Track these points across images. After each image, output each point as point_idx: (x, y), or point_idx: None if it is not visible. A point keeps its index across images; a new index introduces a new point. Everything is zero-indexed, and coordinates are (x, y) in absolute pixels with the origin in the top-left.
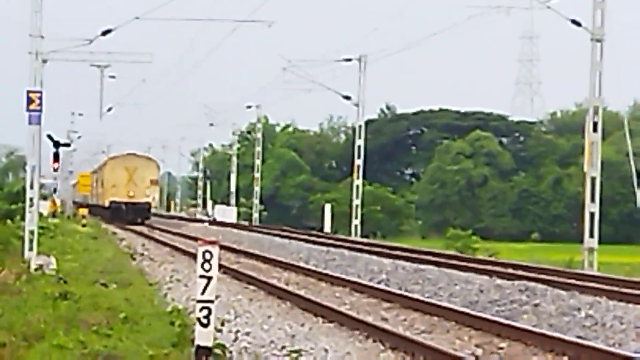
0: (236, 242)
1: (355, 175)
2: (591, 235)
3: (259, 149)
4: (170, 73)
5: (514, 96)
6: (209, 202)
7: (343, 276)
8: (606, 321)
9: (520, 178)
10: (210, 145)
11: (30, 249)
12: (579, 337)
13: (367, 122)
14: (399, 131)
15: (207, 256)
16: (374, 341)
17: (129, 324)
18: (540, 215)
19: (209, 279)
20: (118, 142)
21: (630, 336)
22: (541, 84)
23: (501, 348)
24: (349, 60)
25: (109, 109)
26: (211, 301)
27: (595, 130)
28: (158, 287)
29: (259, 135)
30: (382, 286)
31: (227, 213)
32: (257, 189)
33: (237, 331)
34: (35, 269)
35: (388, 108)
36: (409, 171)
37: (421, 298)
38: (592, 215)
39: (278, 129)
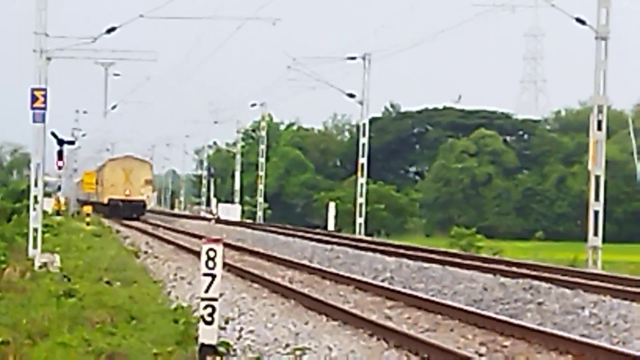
0: (240, 240)
1: (359, 173)
2: (595, 234)
3: (263, 147)
4: (174, 71)
5: (519, 94)
6: (213, 200)
7: (347, 274)
8: (610, 320)
9: (524, 176)
10: (215, 143)
11: (35, 246)
12: (583, 335)
13: (372, 120)
14: (404, 129)
15: (211, 254)
16: (378, 339)
17: (133, 322)
18: (545, 213)
19: (213, 276)
20: (122, 139)
21: (635, 335)
22: (546, 82)
23: (505, 346)
24: (354, 58)
25: (114, 107)
26: (215, 299)
27: (599, 128)
28: (162, 285)
29: (264, 133)
30: (386, 284)
31: (231, 211)
32: (261, 187)
33: (241, 329)
34: (40, 267)
35: (392, 106)
36: (413, 169)
37: (425, 296)
38: (596, 213)
39: (282, 127)
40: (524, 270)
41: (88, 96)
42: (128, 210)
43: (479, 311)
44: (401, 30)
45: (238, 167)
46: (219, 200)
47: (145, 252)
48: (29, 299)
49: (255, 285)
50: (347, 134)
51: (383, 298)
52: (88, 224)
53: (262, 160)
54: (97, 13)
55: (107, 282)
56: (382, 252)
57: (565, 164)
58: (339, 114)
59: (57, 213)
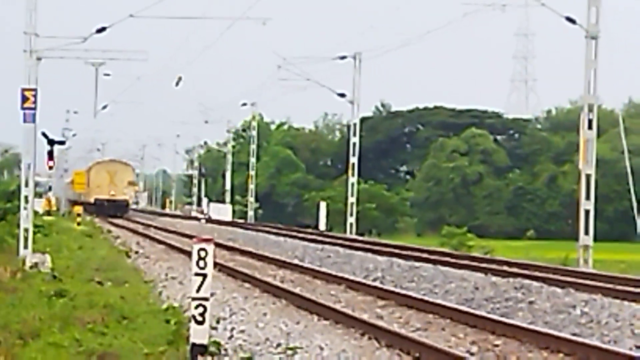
0: (231, 240)
1: (350, 172)
2: (586, 233)
3: (254, 146)
4: (165, 71)
5: (509, 93)
6: (204, 200)
7: (338, 274)
8: (601, 318)
9: (515, 175)
10: (205, 143)
11: (25, 247)
12: (574, 334)
13: (362, 120)
14: (394, 129)
15: (202, 254)
16: (370, 339)
17: (125, 321)
18: (536, 212)
19: (204, 276)
20: (113, 139)
21: (626, 333)
22: (536, 81)
23: (496, 345)
24: (344, 57)
25: (104, 107)
26: (206, 299)
27: (590, 127)
28: (153, 285)
29: (254, 133)
30: (377, 284)
31: (222, 211)
32: (252, 186)
33: (233, 329)
34: (31, 267)
35: (383, 105)
36: (404, 169)
37: (416, 295)
38: (587, 212)
39: (273, 126)
40: (515, 270)
41: (78, 96)
42: (113, 209)
43: (470, 310)
44: (392, 30)
45: (229, 167)
46: (210, 200)
47: (137, 252)
48: (20, 299)
49: (247, 285)
50: (337, 133)
51: (374, 297)
52: (79, 224)
53: (252, 159)
54: (87, 13)
55: (98, 282)
56: (373, 251)
57: (556, 163)
58: (330, 113)
59: (48, 213)
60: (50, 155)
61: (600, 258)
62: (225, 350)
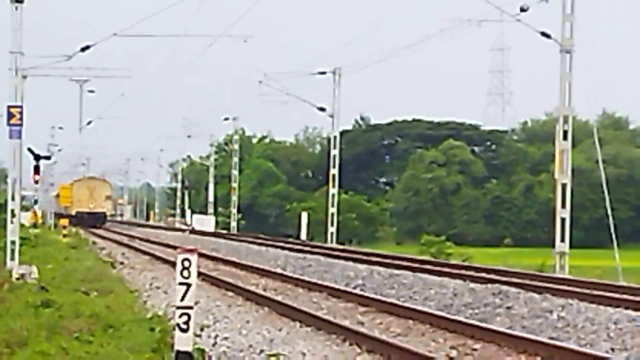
0: (214, 250)
1: (330, 184)
2: (562, 240)
3: (236, 159)
4: (148, 87)
5: (486, 106)
6: (188, 212)
7: (320, 282)
8: (578, 322)
9: (492, 185)
10: (189, 156)
11: (12, 258)
12: (552, 338)
13: (342, 133)
14: (374, 141)
15: (186, 264)
16: (351, 344)
17: (110, 330)
18: (513, 221)
19: (188, 285)
20: (98, 154)
21: (602, 337)
22: (512, 94)
23: (475, 350)
24: (324, 73)
25: (89, 123)
26: (190, 307)
27: (565, 138)
28: (138, 295)
29: (236, 146)
30: (358, 291)
31: (206, 222)
32: (234, 198)
33: (216, 336)
34: (17, 278)
35: (362, 119)
36: (384, 180)
37: (396, 302)
38: (563, 220)
39: (255, 140)
40: (493, 276)
41: (64, 112)
42: (92, 220)
43: (449, 316)
44: (371, 45)
45: (211, 180)
46: (193, 212)
47: (122, 263)
48: (7, 310)
49: (230, 294)
50: (318, 146)
51: (355, 304)
52: (65, 236)
53: (235, 172)
54: (72, 32)
55: (84, 292)
56: (354, 260)
57: (532, 173)
58: (310, 127)
59: (34, 226)
60: (37, 170)
61: (576, 264)
62: (210, 357)
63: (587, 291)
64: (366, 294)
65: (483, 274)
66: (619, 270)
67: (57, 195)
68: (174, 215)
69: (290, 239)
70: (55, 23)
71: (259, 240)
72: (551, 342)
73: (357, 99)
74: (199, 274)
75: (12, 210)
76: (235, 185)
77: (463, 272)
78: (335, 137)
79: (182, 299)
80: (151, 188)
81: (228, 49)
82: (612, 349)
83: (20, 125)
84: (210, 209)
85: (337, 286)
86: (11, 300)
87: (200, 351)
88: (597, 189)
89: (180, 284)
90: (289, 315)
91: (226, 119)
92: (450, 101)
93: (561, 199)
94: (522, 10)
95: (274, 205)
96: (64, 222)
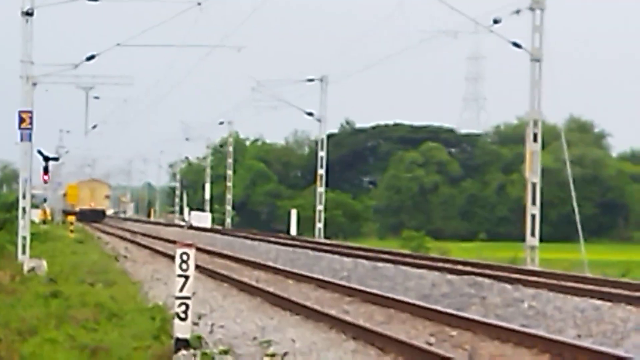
0: (211, 245)
1: (318, 183)
2: (533, 235)
3: (230, 160)
4: (149, 94)
5: (462, 111)
6: (186, 209)
7: (308, 274)
8: (547, 311)
9: (467, 184)
10: (187, 158)
11: (23, 253)
12: (523, 325)
13: (329, 136)
14: (358, 143)
15: (185, 257)
16: (337, 332)
17: (114, 319)
18: (487, 217)
19: (187, 277)
20: (102, 156)
21: (569, 324)
22: (486, 99)
23: (452, 336)
24: (312, 80)
25: (94, 127)
26: (188, 297)
27: (535, 140)
28: (140, 286)
29: (231, 148)
30: (343, 282)
31: (202, 219)
32: (229, 196)
33: (213, 324)
34: (28, 271)
35: (348, 123)
36: (367, 179)
37: (379, 292)
38: (533, 216)
39: (248, 142)
40: (469, 268)
41: (70, 117)
42: (93, 216)
43: (428, 305)
44: (355, 54)
45: (208, 179)
46: (191, 209)
47: (125, 257)
48: (19, 300)
49: (225, 285)
50: (306, 148)
51: (341, 294)
52: (72, 231)
53: (229, 172)
54: (78, 42)
55: (90, 284)
56: (340, 253)
57: (504, 173)
58: (299, 130)
59: (44, 222)
60: (46, 170)
61: (545, 257)
62: (206, 343)
63: (556, 282)
64: (351, 285)
65: (459, 266)
66: (585, 262)
67: (65, 194)
68: (173, 212)
69: (281, 234)
70: (63, 34)
71: (252, 236)
72: (522, 329)
73: (343, 105)
74: (197, 266)
75: (23, 208)
76: (229, 184)
77: (440, 264)
78: (322, 140)
79: (181, 290)
80: (152, 187)
81: (223, 59)
82: (579, 335)
83: (31, 129)
84: (207, 207)
85: (324, 278)
86: (22, 291)
87: (198, 338)
88: (564, 188)
89: (179, 276)
90: (280, 305)
91: (221, 123)
92: (428, 106)
93: (531, 197)
94: (495, 22)
95: (265, 203)
96: (71, 218)
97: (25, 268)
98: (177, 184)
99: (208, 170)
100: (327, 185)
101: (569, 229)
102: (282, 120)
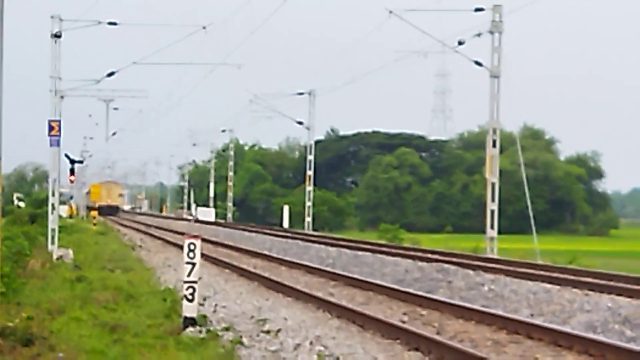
0: (214, 236)
1: (307, 182)
2: (492, 227)
3: (231, 163)
4: (161, 105)
5: (431, 120)
6: (193, 205)
7: (298, 261)
8: (504, 293)
9: (436, 184)
10: (194, 161)
11: (52, 243)
12: (484, 306)
13: (316, 142)
14: (342, 148)
15: (192, 247)
16: (323, 311)
17: (131, 300)
18: (452, 212)
19: (193, 264)
20: (121, 159)
21: (523, 305)
22: (452, 110)
23: (422, 315)
24: (302, 93)
25: (114, 134)
26: (195, 282)
27: (494, 146)
28: (153, 272)
29: (232, 152)
30: (329, 268)
31: (207, 213)
32: (230, 194)
33: (216, 305)
34: (57, 259)
35: (332, 130)
36: (349, 179)
37: (360, 277)
38: (492, 212)
39: (246, 147)
40: (437, 257)
41: (93, 125)
42: (109, 210)
43: (402, 288)
44: (339, 71)
45: (212, 179)
46: (197, 205)
47: (140, 246)
48: (48, 284)
49: (227, 271)
50: (297, 152)
51: (327, 279)
52: (94, 225)
53: (230, 173)
54: (100, 61)
55: (110, 270)
56: (326, 243)
57: (467, 174)
58: (291, 137)
59: (70, 217)
60: (72, 171)
61: (503, 247)
62: (210, 321)
63: (512, 268)
64: (335, 271)
65: (428, 255)
66: (537, 251)
67: (88, 192)
68: (182, 208)
69: (275, 227)
70: (87, 54)
71: (250, 228)
72: (483, 309)
73: (329, 114)
74: (202, 255)
75: (52, 204)
76: (230, 183)
77: (412, 253)
78: (310, 145)
79: (189, 275)
80: (164, 186)
81: (225, 75)
82: (532, 314)
83: (59, 136)
84: (211, 203)
85: (312, 265)
86: (52, 277)
87: (203, 317)
88: (519, 187)
89: (187, 263)
90: (274, 288)
91: (223, 130)
92: (402, 116)
93: (491, 195)
94: (460, 43)
95: (262, 200)
96: (94, 213)
97: (54, 256)
98: (186, 184)
99: (212, 172)
100: (314, 184)
101: (523, 223)
102: (276, 128)
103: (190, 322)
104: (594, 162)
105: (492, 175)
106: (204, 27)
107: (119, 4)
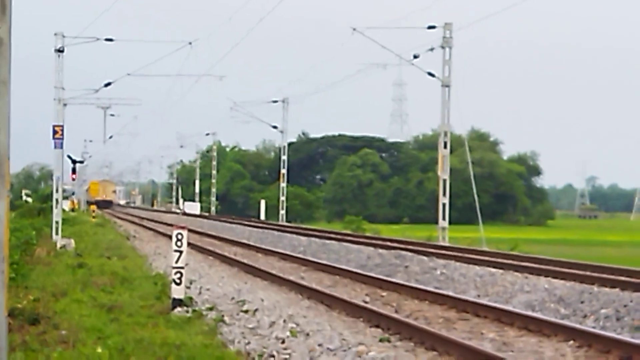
0: (200, 227)
1: (281, 180)
2: (444, 219)
3: (214, 163)
4: (153, 112)
5: (390, 124)
6: (181, 200)
7: (274, 249)
8: (454, 276)
9: (394, 180)
10: (181, 160)
11: (56, 233)
12: (436, 287)
13: (289, 144)
14: (312, 149)
15: (179, 237)
16: (295, 293)
17: (126, 284)
18: (409, 205)
19: (181, 252)
20: (117, 159)
21: (471, 287)
22: (408, 115)
23: (383, 296)
24: (276, 101)
25: (111, 137)
26: (182, 267)
27: (445, 147)
28: (146, 259)
29: (215, 153)
30: (300, 255)
31: (193, 207)
32: (213, 190)
33: (201, 288)
34: (60, 248)
35: (303, 134)
36: (318, 177)
37: (327, 263)
38: (444, 205)
39: (228, 149)
40: (395, 245)
41: (92, 130)
42: (104, 204)
43: (364, 272)
44: (309, 81)
45: (197, 177)
46: (184, 200)
47: (134, 236)
48: (53, 270)
49: (210, 258)
50: (272, 153)
51: (299, 265)
52: (94, 217)
53: (214, 172)
54: (98, 72)
55: (107, 257)
56: (298, 233)
57: (422, 172)
58: (267, 139)
59: (72, 210)
60: (73, 170)
61: (453, 236)
62: (196, 302)
63: (461, 254)
64: (306, 257)
65: (388, 243)
66: (483, 239)
67: (88, 189)
68: (171, 203)
69: (253, 219)
70: (86, 66)
71: (231, 220)
72: (436, 290)
73: (300, 119)
74: (189, 244)
75: (56, 199)
76: (214, 181)
77: (374, 241)
78: (284, 147)
79: (177, 262)
80: (155, 183)
81: (209, 85)
82: (479, 295)
83: (62, 139)
84: (197, 198)
85: (285, 252)
86: (56, 263)
87: (190, 298)
88: (467, 183)
89: (175, 251)
90: (252, 273)
91: (207, 134)
92: (364, 121)
93: (442, 190)
94: (415, 57)
95: (241, 195)
96: (93, 207)
97: (58, 245)
98: (174, 181)
99: (197, 170)
100: (288, 181)
101: (471, 214)
102: (254, 132)
103: (178, 303)
104: (532, 161)
105: (443, 172)
106: (190, 43)
107: (115, 22)
